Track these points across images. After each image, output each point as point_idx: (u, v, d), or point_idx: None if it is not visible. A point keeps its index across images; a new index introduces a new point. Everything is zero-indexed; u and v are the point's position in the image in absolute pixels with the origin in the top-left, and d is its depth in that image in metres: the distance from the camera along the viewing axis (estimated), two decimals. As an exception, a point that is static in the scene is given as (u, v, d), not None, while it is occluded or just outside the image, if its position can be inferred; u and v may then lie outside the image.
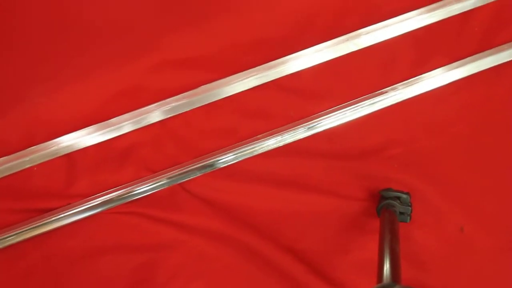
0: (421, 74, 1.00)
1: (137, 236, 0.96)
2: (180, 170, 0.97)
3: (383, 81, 1.00)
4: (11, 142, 0.96)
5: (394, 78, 1.00)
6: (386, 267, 0.82)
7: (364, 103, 0.98)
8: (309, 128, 0.98)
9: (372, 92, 0.99)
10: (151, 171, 0.98)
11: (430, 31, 1.00)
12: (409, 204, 0.94)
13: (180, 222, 0.97)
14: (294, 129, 0.98)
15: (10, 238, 0.95)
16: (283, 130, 0.98)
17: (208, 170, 0.97)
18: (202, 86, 0.97)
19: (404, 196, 0.94)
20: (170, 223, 0.97)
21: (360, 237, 0.97)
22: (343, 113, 0.98)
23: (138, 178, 0.98)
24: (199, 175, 0.97)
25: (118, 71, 0.96)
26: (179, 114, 0.97)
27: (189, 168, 0.97)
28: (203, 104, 0.98)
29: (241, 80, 0.97)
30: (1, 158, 0.95)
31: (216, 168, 0.97)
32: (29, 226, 0.95)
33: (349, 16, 0.99)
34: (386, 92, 0.99)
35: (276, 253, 0.95)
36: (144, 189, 0.97)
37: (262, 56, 0.98)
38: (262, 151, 0.98)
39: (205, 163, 0.97)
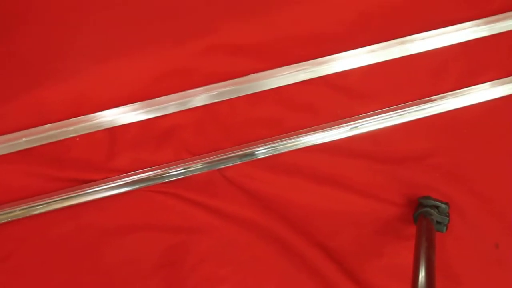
0: (471, 85, 0.99)
1: (171, 217, 0.97)
2: (220, 156, 0.97)
3: (432, 89, 0.99)
4: (57, 110, 0.97)
5: (443, 87, 0.99)
6: (422, 275, 0.81)
7: (411, 109, 0.98)
8: (353, 127, 0.97)
9: (420, 99, 0.98)
10: (191, 154, 0.98)
11: (485, 43, 0.99)
12: (447, 214, 0.93)
13: (215, 208, 0.97)
14: (338, 127, 0.98)
15: (46, 204, 0.96)
16: (327, 127, 0.98)
17: (248, 159, 0.97)
18: (251, 75, 0.97)
19: (443, 206, 0.93)
20: (205, 207, 0.97)
21: (393, 242, 0.96)
22: (389, 116, 0.98)
23: (178, 160, 0.98)
24: (238, 163, 0.97)
25: (169, 51, 0.97)
26: (225, 100, 0.97)
27: (229, 155, 0.97)
28: (250, 92, 0.98)
29: (291, 72, 0.97)
30: (46, 125, 0.96)
31: (257, 158, 0.97)
32: (66, 195, 0.96)
33: (405, 20, 0.99)
34: (434, 100, 0.98)
35: (308, 249, 0.95)
36: (182, 171, 0.97)
37: (313, 51, 0.98)
38: (304, 146, 0.97)
39: (246, 151, 0.97)
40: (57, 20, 0.99)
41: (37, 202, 0.96)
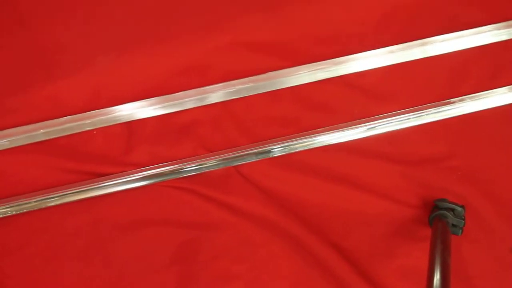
0: (490, 89, 0.98)
1: (186, 212, 0.97)
2: (237, 153, 0.97)
3: (451, 91, 0.99)
4: (75, 103, 0.97)
5: (462, 90, 0.99)
6: (437, 277, 0.81)
7: (429, 111, 0.97)
8: (370, 128, 0.97)
9: (439, 101, 0.98)
10: (208, 150, 0.98)
11: (505, 47, 0.99)
12: (463, 217, 0.93)
13: (230, 204, 0.97)
14: (355, 127, 0.97)
15: (61, 197, 0.96)
16: (344, 127, 0.97)
17: (265, 157, 0.97)
18: (269, 73, 0.97)
19: (459, 209, 0.93)
20: (220, 203, 0.97)
21: (408, 244, 0.96)
22: (407, 117, 0.97)
23: (194, 155, 0.98)
24: (255, 160, 0.97)
25: (188, 47, 0.97)
26: (243, 97, 0.98)
27: (246, 152, 0.97)
28: (268, 90, 0.98)
29: (309, 71, 0.97)
30: (64, 118, 0.97)
31: (273, 156, 0.97)
32: (81, 188, 0.97)
33: (425, 22, 0.99)
34: (453, 102, 0.98)
35: (322, 248, 0.95)
36: (198, 166, 0.97)
37: (333, 50, 0.98)
38: (321, 145, 0.97)
39: (262, 149, 0.97)
40: (77, 12, 0.99)
41: (53, 194, 0.96)
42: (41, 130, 0.96)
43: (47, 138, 0.97)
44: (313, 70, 0.97)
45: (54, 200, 0.96)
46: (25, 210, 0.96)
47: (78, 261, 0.96)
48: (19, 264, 0.96)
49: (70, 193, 0.96)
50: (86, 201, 0.96)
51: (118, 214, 0.97)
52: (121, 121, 0.97)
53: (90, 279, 0.96)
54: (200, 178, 0.97)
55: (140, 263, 0.96)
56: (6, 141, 0.96)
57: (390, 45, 0.97)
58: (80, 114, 0.97)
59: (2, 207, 0.96)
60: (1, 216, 0.95)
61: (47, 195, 0.96)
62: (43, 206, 0.96)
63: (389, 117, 0.97)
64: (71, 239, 0.96)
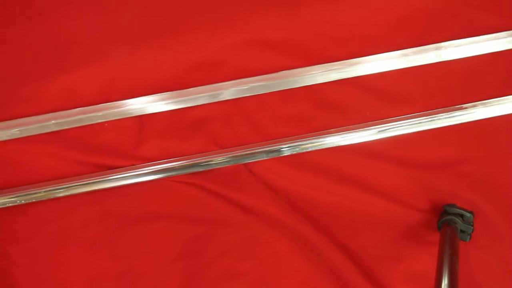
0: (503, 95, 0.98)
1: (195, 208, 0.97)
2: (248, 150, 0.97)
3: (464, 97, 0.98)
4: (87, 95, 0.98)
5: (475, 96, 0.98)
6: (445, 283, 0.81)
7: (441, 115, 0.97)
8: (382, 130, 0.97)
9: (451, 106, 0.98)
10: (219, 147, 0.98)
11: (520, 54, 0.98)
12: (472, 223, 0.93)
13: (239, 201, 0.97)
14: (366, 129, 0.97)
15: (71, 188, 0.97)
16: (356, 128, 0.97)
17: (275, 155, 0.97)
18: (283, 71, 0.97)
19: (468, 214, 0.93)
20: (229, 200, 0.97)
21: (415, 248, 0.96)
22: (419, 121, 0.97)
23: (205, 151, 0.98)
24: (265, 158, 0.97)
25: (203, 43, 0.97)
26: (256, 95, 0.97)
27: (256, 150, 0.97)
28: (281, 89, 0.98)
29: (323, 71, 0.97)
30: (76, 109, 0.97)
31: (283, 155, 0.97)
32: (91, 180, 0.97)
33: (441, 26, 0.99)
34: (465, 108, 0.98)
35: (329, 248, 0.95)
36: (209, 162, 0.97)
37: (347, 51, 0.98)
38: (332, 146, 0.97)
39: (273, 147, 0.97)
40: (93, 4, 0.99)
41: (62, 185, 0.97)
42: (53, 121, 0.96)
43: (59, 129, 0.97)
44: (326, 71, 0.97)
45: (63, 191, 0.96)
46: (34, 200, 0.96)
47: (86, 252, 0.96)
48: (27, 253, 0.96)
49: (80, 185, 0.96)
50: (95, 193, 0.96)
51: (127, 207, 0.97)
52: (133, 115, 0.97)
53: (97, 270, 0.96)
54: (210, 174, 0.97)
55: (147, 257, 0.96)
56: (18, 130, 0.96)
57: (405, 48, 0.97)
58: (92, 106, 0.97)
59: (11, 196, 0.96)
60: (10, 205, 0.96)
61: (57, 186, 0.97)
62: (52, 196, 0.96)
63: (401, 120, 0.97)
64: (79, 230, 0.96)
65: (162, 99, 0.97)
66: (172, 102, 0.97)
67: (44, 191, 0.96)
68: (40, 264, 0.97)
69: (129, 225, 0.97)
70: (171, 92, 0.97)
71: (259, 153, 0.97)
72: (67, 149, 0.97)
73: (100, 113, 0.97)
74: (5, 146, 0.97)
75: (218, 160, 0.97)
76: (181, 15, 0.97)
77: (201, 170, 0.97)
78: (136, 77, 0.98)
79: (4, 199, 0.96)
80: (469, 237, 0.93)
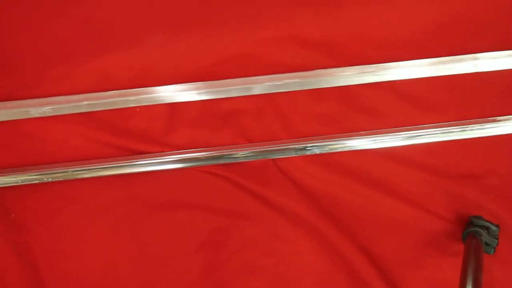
0: (538, 112, 0.98)
1: (219, 200, 0.97)
2: (277, 146, 0.97)
3: (497, 109, 0.98)
4: (120, 79, 0.98)
5: (508, 109, 0.98)
6: (468, 294, 0.80)
7: (473, 126, 0.97)
8: (413, 137, 0.97)
9: (484, 117, 0.97)
10: (248, 140, 0.98)
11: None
12: (497, 237, 0.92)
13: (264, 196, 0.97)
14: (397, 134, 0.97)
15: (98, 169, 0.97)
16: (386, 133, 0.97)
17: (304, 153, 0.97)
18: (318, 70, 0.97)
19: (494, 228, 0.92)
20: (254, 194, 0.97)
21: (437, 257, 0.95)
22: (450, 130, 0.97)
23: (234, 144, 0.98)
24: (294, 155, 0.97)
25: (240, 35, 0.97)
26: (288, 91, 0.97)
27: (285, 146, 0.97)
28: (314, 87, 0.97)
29: (357, 73, 0.97)
30: (109, 92, 0.97)
31: (312, 153, 0.97)
32: (119, 163, 0.97)
33: (480, 36, 0.98)
34: (498, 121, 0.97)
35: (351, 250, 0.94)
36: (237, 155, 0.97)
37: (384, 54, 0.97)
38: (361, 148, 0.97)
39: (302, 145, 0.97)
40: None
41: (89, 166, 0.97)
42: (85, 102, 0.97)
43: (90, 110, 0.97)
44: (361, 72, 0.97)
45: (90, 172, 0.97)
46: (60, 179, 0.96)
47: (107, 234, 0.97)
48: (49, 231, 0.97)
49: (107, 167, 0.97)
50: (121, 176, 0.97)
51: (152, 193, 0.97)
52: (165, 102, 0.98)
53: (118, 254, 0.97)
54: (237, 167, 0.97)
55: (169, 245, 0.96)
56: (50, 108, 0.97)
57: (442, 56, 0.97)
58: (126, 90, 0.97)
59: (38, 173, 0.96)
60: (37, 182, 0.96)
61: (84, 166, 0.97)
62: (78, 176, 0.97)
63: (432, 128, 0.97)
64: (103, 212, 0.97)
65: (195, 89, 0.97)
66: (204, 92, 0.97)
67: (71, 171, 0.97)
68: (60, 243, 0.98)
69: (153, 211, 0.97)
70: (204, 82, 0.97)
71: (288, 150, 0.97)
72: (97, 131, 0.98)
73: (132, 98, 0.97)
74: (36, 123, 0.97)
75: (246, 153, 0.97)
76: (222, 5, 0.97)
77: (229, 162, 0.97)
78: (171, 64, 0.98)
79: (31, 175, 0.96)
80: (493, 250, 0.92)
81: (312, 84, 0.97)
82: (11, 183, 0.96)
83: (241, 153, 0.97)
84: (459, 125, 0.97)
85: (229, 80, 0.98)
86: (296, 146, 0.97)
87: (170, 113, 0.98)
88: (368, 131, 0.97)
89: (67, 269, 0.97)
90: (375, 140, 0.97)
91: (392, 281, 0.94)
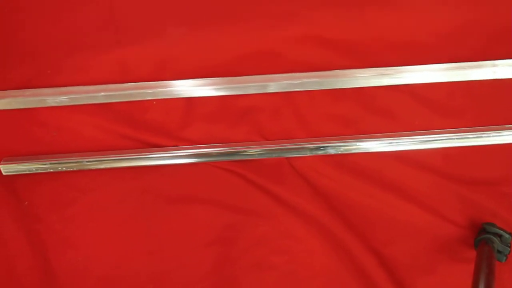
0: (556, 121, 0.97)
1: (233, 196, 0.97)
2: (292, 145, 0.97)
3: (515, 117, 0.97)
4: (140, 71, 0.98)
5: (526, 117, 0.98)
6: (480, 301, 0.80)
7: (490, 133, 0.96)
8: (428, 141, 0.97)
9: (501, 125, 0.97)
10: (263, 138, 0.98)
11: None
12: (509, 245, 0.92)
13: (277, 195, 0.97)
14: (413, 138, 0.97)
15: (113, 161, 0.97)
16: (402, 136, 0.97)
17: (319, 153, 0.97)
18: (337, 70, 0.96)
19: (507, 235, 0.92)
20: (268, 192, 0.97)
21: (449, 262, 0.96)
22: (466, 136, 0.96)
23: (249, 141, 0.98)
24: (309, 155, 0.97)
25: (260, 32, 0.96)
26: (306, 90, 0.97)
27: (301, 146, 0.97)
28: (332, 88, 0.97)
29: (376, 75, 0.96)
30: (126, 84, 0.97)
31: (327, 154, 0.96)
32: (134, 155, 0.97)
33: (498, 43, 0.97)
34: (516, 128, 0.97)
35: (362, 252, 0.95)
36: (252, 152, 0.97)
37: (403, 57, 0.97)
38: (376, 150, 0.97)
39: (318, 145, 0.96)
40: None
41: (104, 157, 0.97)
42: (102, 93, 0.97)
43: (107, 101, 0.97)
44: (380, 74, 0.96)
45: (104, 163, 0.97)
46: (75, 169, 0.97)
47: (120, 226, 0.97)
48: (62, 220, 0.98)
49: (122, 159, 0.97)
50: (136, 169, 0.97)
51: (166, 187, 0.97)
52: (182, 96, 0.97)
53: (129, 246, 0.97)
54: (251, 164, 0.97)
55: (181, 238, 0.97)
56: (66, 98, 0.97)
57: (461, 61, 0.96)
58: (143, 83, 0.97)
59: (53, 162, 0.97)
60: (51, 170, 0.96)
61: (98, 157, 0.97)
62: (93, 167, 0.97)
63: (449, 133, 0.97)
64: (116, 203, 0.97)
65: (213, 84, 0.97)
66: (222, 88, 0.97)
67: (86, 161, 0.97)
68: (72, 233, 0.98)
69: (166, 205, 0.97)
70: (222, 78, 0.97)
71: (303, 149, 0.97)
72: (113, 122, 0.98)
73: (150, 91, 0.97)
74: (52, 112, 0.97)
75: (262, 151, 0.97)
76: (243, 2, 0.97)
77: (243, 159, 0.97)
78: (190, 59, 0.97)
79: (46, 164, 0.96)
80: (505, 258, 0.92)
81: (330, 84, 0.97)
82: (25, 171, 0.97)
83: (256, 151, 0.97)
84: (476, 131, 0.97)
85: (247, 77, 0.98)
86: (311, 145, 0.97)
87: (186, 108, 0.98)
88: (384, 134, 0.97)
89: (77, 259, 0.98)
90: (391, 142, 0.97)
91: (403, 285, 0.95)
